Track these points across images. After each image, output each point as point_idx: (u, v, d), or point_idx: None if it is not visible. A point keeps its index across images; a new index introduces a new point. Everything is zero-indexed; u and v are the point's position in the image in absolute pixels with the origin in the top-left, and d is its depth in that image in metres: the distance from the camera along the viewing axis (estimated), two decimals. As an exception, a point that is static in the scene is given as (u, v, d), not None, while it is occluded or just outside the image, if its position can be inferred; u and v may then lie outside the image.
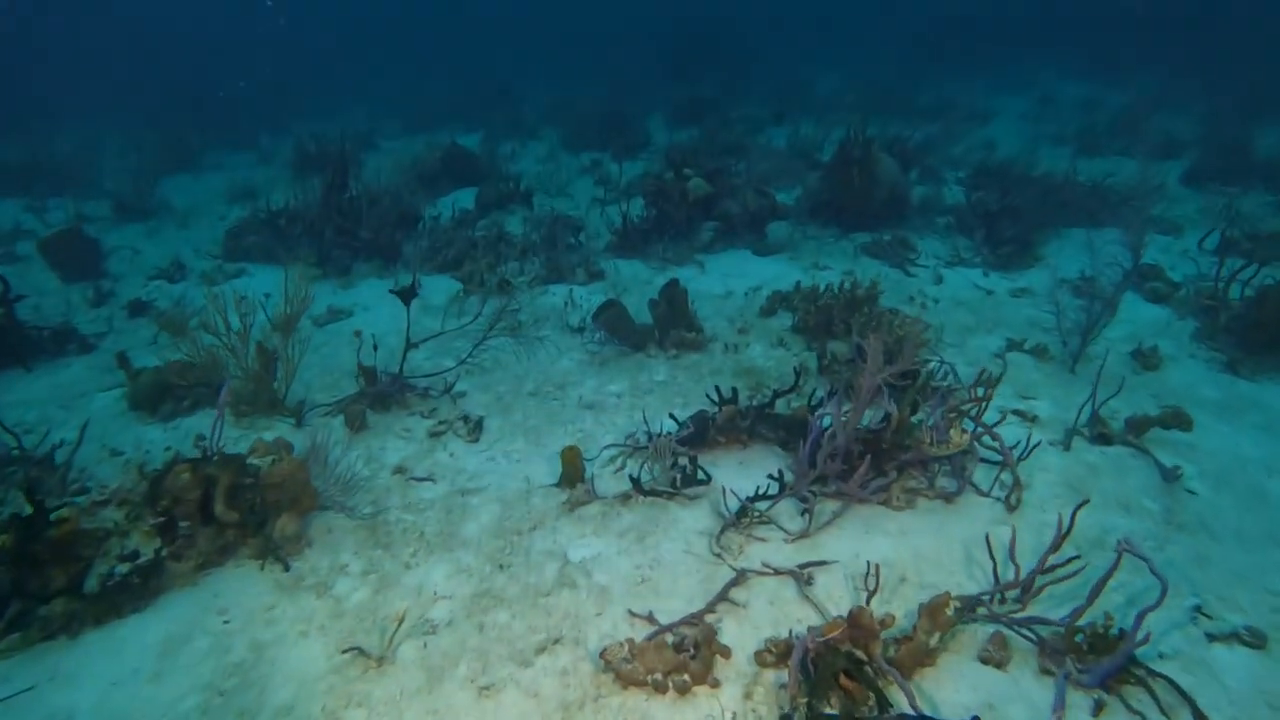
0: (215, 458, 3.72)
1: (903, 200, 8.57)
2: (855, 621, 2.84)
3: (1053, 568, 3.25)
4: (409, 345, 5.17)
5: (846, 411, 4.22)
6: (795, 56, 27.09)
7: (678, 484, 4.12)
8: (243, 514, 3.72)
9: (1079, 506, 3.30)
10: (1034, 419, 4.83)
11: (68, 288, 7.99)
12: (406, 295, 4.92)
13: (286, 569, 3.71)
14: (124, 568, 3.41)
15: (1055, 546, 3.16)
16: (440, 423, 4.98)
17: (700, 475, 4.17)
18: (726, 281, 7.17)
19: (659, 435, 4.48)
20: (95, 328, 6.92)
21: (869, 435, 3.99)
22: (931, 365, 5.04)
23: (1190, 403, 5.04)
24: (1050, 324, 5.88)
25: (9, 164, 13.90)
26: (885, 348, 4.89)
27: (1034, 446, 4.23)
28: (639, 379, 5.45)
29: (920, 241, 8.14)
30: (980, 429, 4.18)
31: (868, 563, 3.51)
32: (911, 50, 25.22)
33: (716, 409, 4.68)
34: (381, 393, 5.14)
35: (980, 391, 4.28)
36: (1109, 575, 3.05)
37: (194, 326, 6.54)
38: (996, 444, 4.11)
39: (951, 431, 3.81)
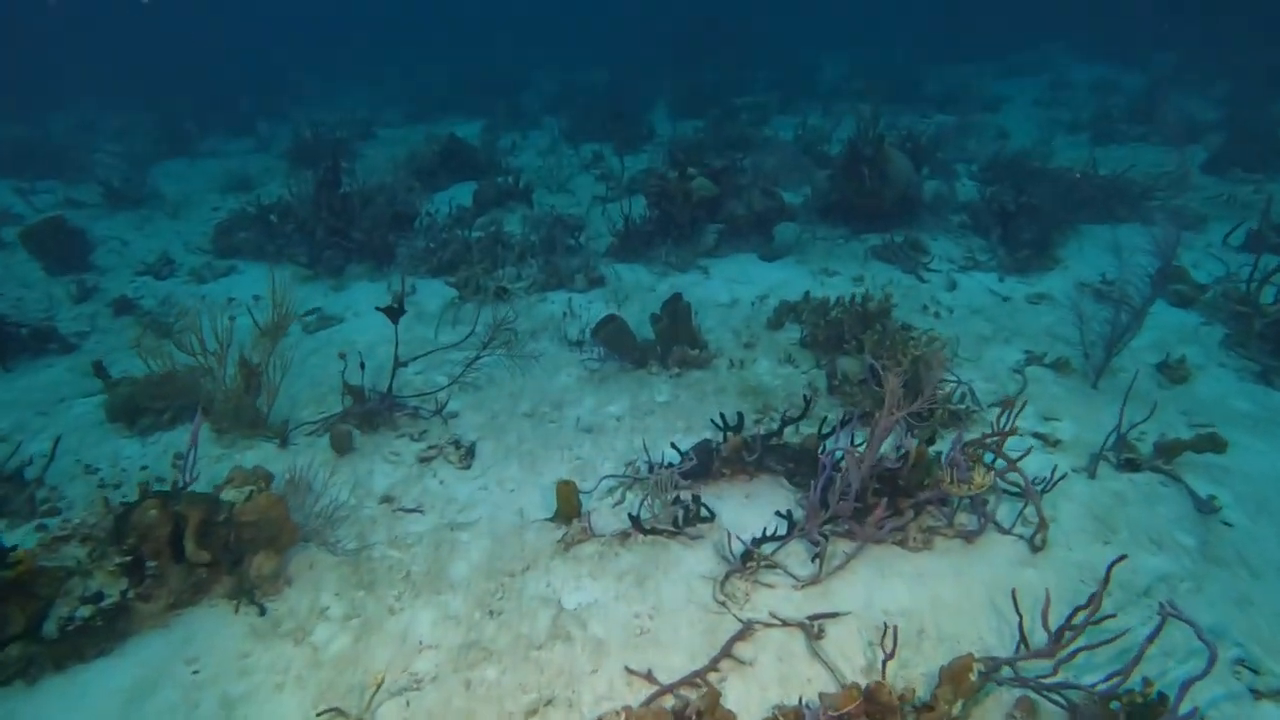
0: (187, 492, 3.48)
1: (915, 199, 8.26)
2: (873, 698, 2.60)
3: (1080, 625, 3.00)
4: (397, 364, 4.92)
5: (859, 445, 3.97)
6: (802, 37, 26.56)
7: (679, 522, 3.87)
8: (216, 553, 3.49)
9: (1115, 563, 3.04)
10: (1056, 443, 4.57)
11: (51, 280, 7.75)
12: (394, 313, 4.66)
13: (262, 613, 3.49)
14: (86, 610, 3.18)
15: (1091, 611, 2.91)
16: (430, 447, 4.73)
17: (704, 512, 3.93)
18: (732, 288, 6.89)
19: (660, 467, 4.24)
20: (78, 326, 6.69)
21: (885, 473, 3.73)
22: (949, 388, 4.77)
23: (1222, 418, 4.79)
24: (1071, 332, 5.60)
25: (1, 142, 13.64)
26: (900, 370, 4.63)
27: (1059, 479, 3.97)
28: (640, 399, 5.19)
29: (933, 242, 7.84)
30: (1002, 462, 3.92)
31: (884, 623, 3.27)
32: (920, 30, 24.69)
33: (721, 437, 4.43)
34: (369, 413, 4.89)
35: (1004, 415, 4.01)
36: (1150, 641, 2.80)
37: (178, 330, 6.32)
38: (1020, 480, 3.85)
39: (974, 471, 3.55)
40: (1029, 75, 19.92)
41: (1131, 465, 4.20)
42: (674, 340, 5.49)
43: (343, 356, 4.86)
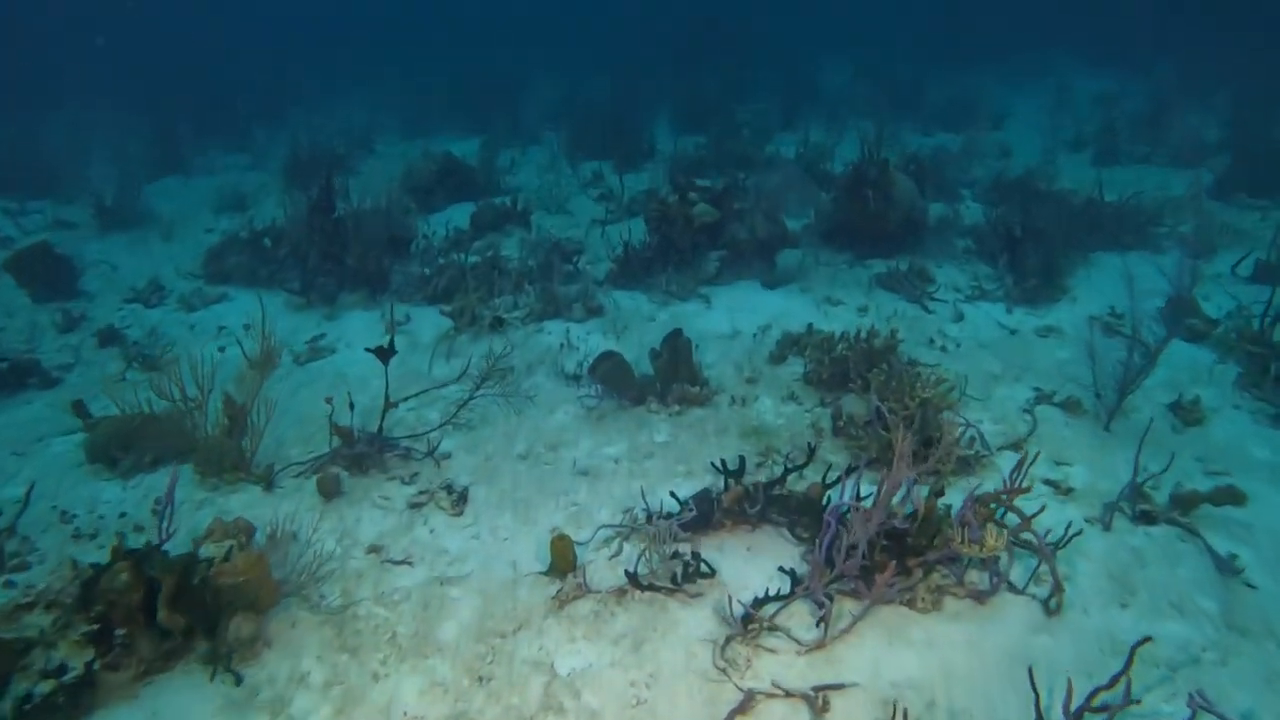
0: (161, 554, 3.31)
1: (920, 223, 8.11)
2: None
3: (1102, 709, 2.83)
4: (388, 405, 4.76)
5: (866, 498, 3.81)
6: (803, 39, 26.47)
7: (678, 579, 3.71)
8: (191, 619, 3.32)
9: (1138, 645, 2.88)
10: (1069, 491, 4.41)
11: (37, 309, 7.59)
12: (384, 354, 4.50)
13: (238, 681, 3.32)
14: (46, 686, 3.02)
15: (1116, 698, 2.74)
16: (421, 492, 4.57)
17: (704, 568, 3.76)
18: (734, 318, 6.73)
19: (658, 517, 4.08)
20: (61, 358, 6.53)
21: (893, 531, 3.57)
22: (959, 432, 4.61)
23: (1240, 465, 4.63)
24: (1082, 368, 5.44)
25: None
26: (907, 414, 4.47)
27: (1073, 535, 3.80)
28: (638, 439, 5.03)
29: (938, 269, 7.69)
30: (1011, 516, 3.76)
31: (893, 698, 3.10)
32: (921, 33, 24.61)
33: (722, 484, 4.27)
34: (359, 456, 4.73)
35: (1016, 471, 3.85)
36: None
37: (163, 364, 6.17)
38: (1034, 540, 3.68)
39: (986, 532, 3.39)
40: (1032, 81, 19.87)
41: (1148, 518, 4.04)
42: (674, 377, 5.34)
43: (329, 401, 4.68)
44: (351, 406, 4.71)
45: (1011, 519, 3.78)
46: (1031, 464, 3.83)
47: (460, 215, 9.97)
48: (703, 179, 11.36)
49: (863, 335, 5.43)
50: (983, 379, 5.66)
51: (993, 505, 3.70)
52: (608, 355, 5.24)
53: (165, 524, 3.59)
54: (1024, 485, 3.65)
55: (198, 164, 14.83)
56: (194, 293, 7.73)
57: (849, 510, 3.63)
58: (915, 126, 15.23)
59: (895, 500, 3.49)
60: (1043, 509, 3.70)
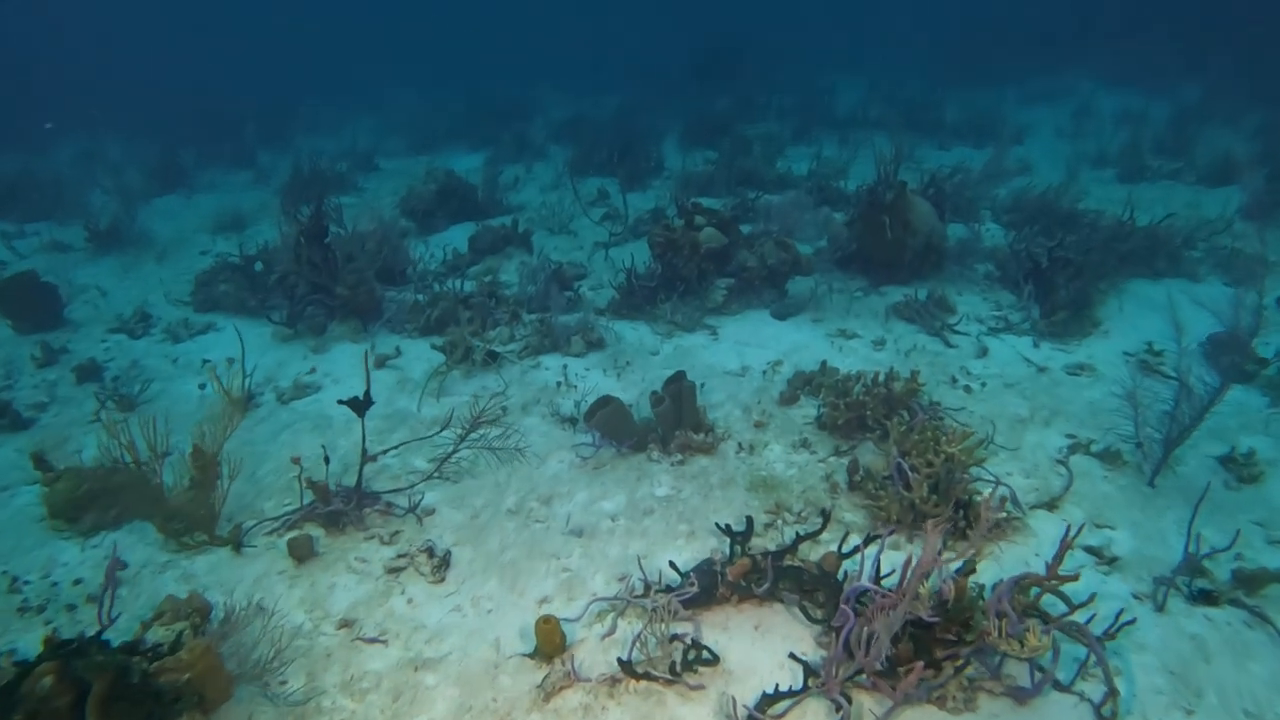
0: (95, 650, 2.96)
1: (939, 250, 7.70)
2: None
3: None
4: (365, 459, 4.40)
5: (887, 577, 3.41)
6: (816, 56, 26.16)
7: (677, 667, 3.32)
8: (131, 720, 2.96)
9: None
10: (1113, 560, 3.98)
11: (20, 340, 7.30)
12: (360, 407, 4.15)
13: (183, 794, 2.95)
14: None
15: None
16: (400, 555, 4.20)
17: (706, 654, 3.37)
18: (742, 353, 6.35)
19: (657, 589, 3.70)
20: (37, 396, 6.22)
21: (919, 621, 3.16)
22: (987, 492, 4.20)
23: (1302, 531, 4.18)
24: (1118, 410, 5.01)
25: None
26: (931, 472, 4.07)
27: (1124, 624, 3.38)
28: (637, 493, 4.65)
29: (958, 298, 7.28)
30: (1056, 605, 3.34)
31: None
32: (936, 52, 24.18)
33: (727, 548, 3.89)
34: (335, 514, 4.38)
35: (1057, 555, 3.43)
36: None
37: (140, 402, 5.86)
38: (1082, 633, 3.26)
39: (1028, 630, 2.98)
40: (1051, 101, 19.35)
41: (1208, 598, 3.61)
42: (676, 424, 4.95)
43: (296, 461, 4.33)
44: (327, 460, 4.37)
45: (1046, 596, 3.37)
46: (1075, 537, 3.41)
47: (460, 236, 9.66)
48: (711, 198, 11.07)
49: (880, 378, 5.03)
50: (1010, 423, 5.24)
51: (1033, 590, 3.28)
52: (605, 401, 4.87)
53: (105, 609, 3.24)
54: (1072, 575, 3.23)
55: (201, 181, 14.63)
56: (180, 323, 7.42)
57: (868, 592, 3.24)
58: (932, 142, 14.78)
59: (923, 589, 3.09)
60: (1092, 599, 3.27)
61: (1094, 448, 4.84)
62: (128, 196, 12.31)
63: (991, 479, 4.41)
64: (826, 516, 3.91)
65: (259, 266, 7.97)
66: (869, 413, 4.93)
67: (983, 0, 26.96)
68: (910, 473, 4.13)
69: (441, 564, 4.11)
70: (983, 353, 6.21)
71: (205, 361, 6.76)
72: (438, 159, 15.36)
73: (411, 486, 4.65)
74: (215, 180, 14.76)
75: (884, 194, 7.46)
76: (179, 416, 5.81)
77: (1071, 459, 4.78)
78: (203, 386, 6.23)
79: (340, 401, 4.20)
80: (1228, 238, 8.13)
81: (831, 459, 4.90)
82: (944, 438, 4.23)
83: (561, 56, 29.59)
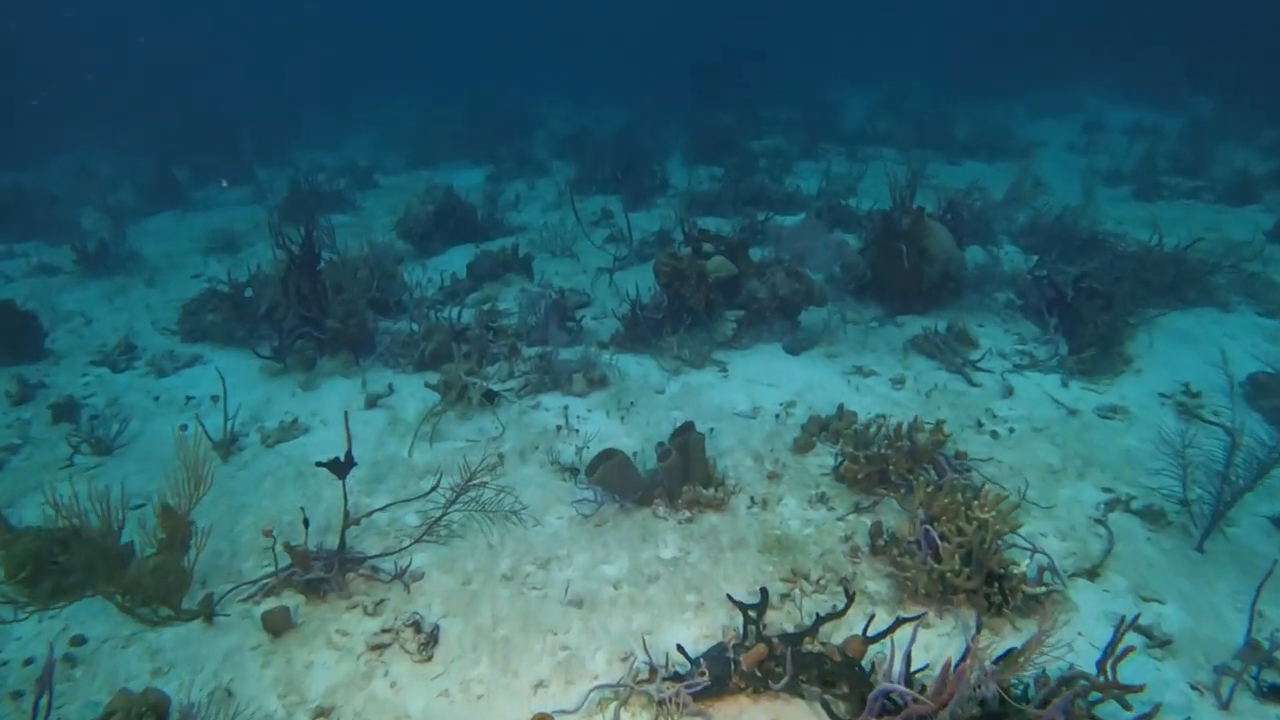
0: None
1: (958, 279, 7.36)
2: None
3: None
4: (347, 522, 4.07)
5: (919, 671, 3.07)
6: (821, 70, 25.90)
7: (688, 776, 2.97)
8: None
9: None
10: (1165, 644, 3.62)
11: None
12: (340, 469, 3.82)
13: None
14: None
15: None
16: (384, 630, 3.86)
17: (719, 760, 3.03)
18: (753, 392, 6.01)
19: (663, 675, 3.36)
20: (8, 437, 5.92)
21: (960, 730, 2.81)
22: (1024, 563, 3.85)
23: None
24: (1157, 460, 4.67)
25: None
26: (964, 541, 3.73)
27: (1186, 726, 3.03)
28: (642, 556, 4.31)
29: (979, 329, 6.94)
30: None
31: None
32: (942, 65, 23.89)
33: (741, 626, 3.55)
34: (315, 581, 4.04)
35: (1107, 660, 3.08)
36: None
37: (116, 446, 5.55)
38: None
39: (1085, 747, 2.63)
40: (1059, 115, 19.06)
41: (1278, 695, 3.25)
42: (684, 478, 4.62)
43: (268, 534, 4.00)
44: (306, 524, 4.03)
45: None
46: (1129, 627, 3.06)
47: (459, 259, 9.35)
48: (717, 217, 10.75)
49: (904, 429, 4.69)
50: (1041, 474, 4.89)
51: (1088, 691, 2.93)
52: (608, 454, 4.54)
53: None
54: (1137, 686, 2.88)
55: (197, 198, 14.37)
56: (165, 355, 7.12)
57: (894, 691, 2.89)
58: (942, 157, 14.45)
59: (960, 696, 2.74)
60: (1157, 710, 2.91)
61: (1134, 504, 4.49)
62: (119, 216, 12.06)
63: (1028, 546, 4.06)
64: (850, 596, 3.56)
65: (249, 293, 7.66)
66: (891, 467, 4.59)
67: (985, 11, 26.66)
68: (940, 541, 3.79)
69: (429, 640, 3.77)
70: (1008, 392, 5.87)
71: (189, 398, 6.45)
72: (438, 174, 15.10)
73: (399, 550, 4.31)
74: (211, 197, 14.50)
75: (900, 220, 7.14)
76: (157, 461, 5.51)
77: (1110, 517, 4.43)
78: (184, 428, 5.90)
79: (319, 464, 3.87)
80: (1259, 263, 7.78)
81: (851, 517, 4.56)
82: (976, 501, 3.88)
83: (565, 68, 29.39)
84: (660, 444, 4.72)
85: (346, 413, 4.53)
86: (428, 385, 6.00)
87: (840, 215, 10.03)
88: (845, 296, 7.52)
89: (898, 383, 6.08)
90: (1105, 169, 13.06)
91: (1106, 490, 4.68)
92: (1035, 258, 8.69)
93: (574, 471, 5.05)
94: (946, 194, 10.30)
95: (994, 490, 4.32)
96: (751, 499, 4.74)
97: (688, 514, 4.60)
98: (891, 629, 3.31)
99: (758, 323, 6.85)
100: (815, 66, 26.75)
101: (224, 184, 13.74)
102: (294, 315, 6.58)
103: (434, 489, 4.49)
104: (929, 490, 4.12)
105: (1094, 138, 16.06)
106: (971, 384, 6.03)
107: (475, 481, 4.32)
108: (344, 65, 32.05)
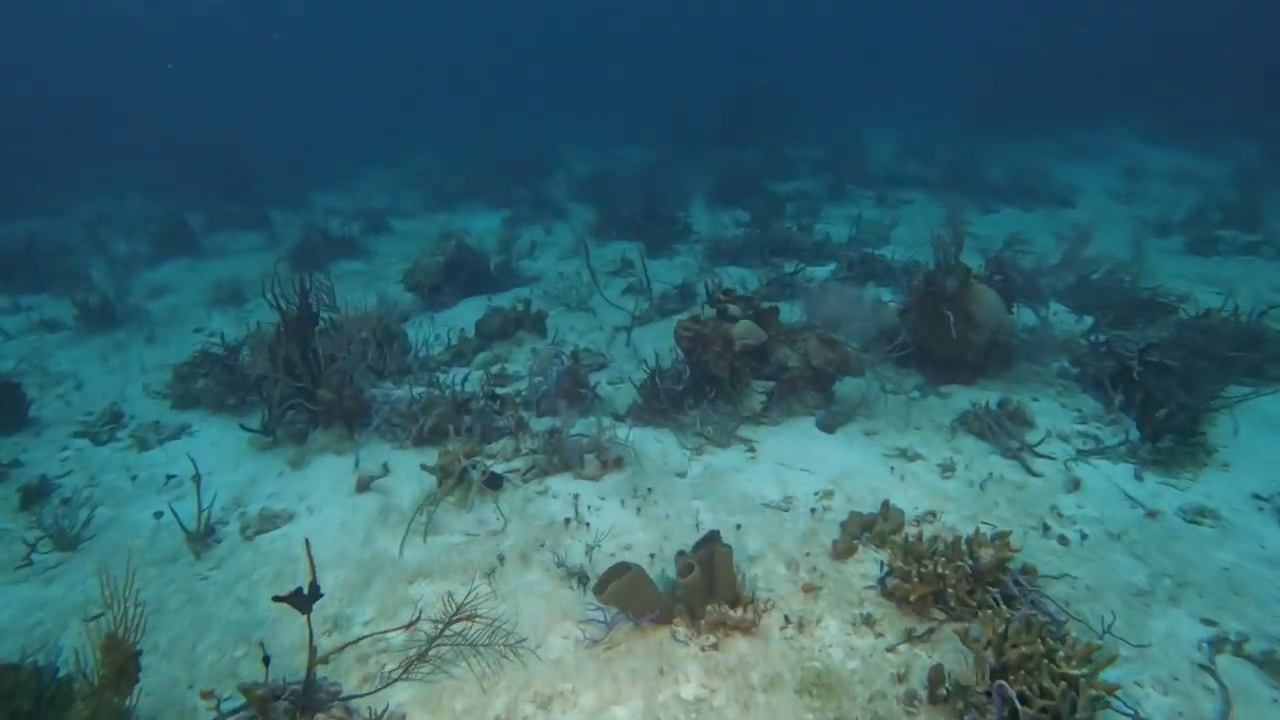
0: None
1: (1009, 347, 6.73)
2: None
3: None
4: (313, 661, 3.48)
5: None
6: (845, 113, 25.52)
7: None
8: None
9: None
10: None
11: (-20, 445, 6.60)
12: (302, 603, 3.26)
13: None
14: None
15: None
16: (351, 797, 3.27)
17: None
18: (784, 478, 5.39)
19: None
20: (-28, 525, 5.45)
21: None
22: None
23: None
24: (1265, 583, 3.99)
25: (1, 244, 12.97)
26: (1048, 705, 3.07)
27: None
28: (659, 695, 3.67)
29: (1033, 403, 6.29)
30: None
31: None
32: (969, 105, 23.36)
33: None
34: (274, 728, 3.46)
35: None
36: None
37: (82, 542, 5.04)
38: None
39: None
40: (1095, 158, 18.44)
41: None
42: (708, 595, 4.00)
43: (208, 697, 3.42)
44: (266, 661, 3.44)
45: None
46: None
47: (470, 313, 8.91)
48: (743, 267, 10.22)
49: (963, 545, 4.04)
50: (1125, 597, 4.20)
51: None
52: (620, 569, 3.93)
53: None
54: None
55: (210, 244, 14.14)
56: (151, 425, 6.66)
57: None
58: (975, 203, 13.86)
59: None
60: None
61: (1248, 647, 3.78)
62: (129, 266, 11.81)
63: (1129, 712, 3.37)
64: (914, 783, 2.91)
65: (244, 357, 7.21)
66: (950, 589, 3.94)
67: (1011, 48, 26.18)
68: (1018, 704, 3.13)
69: (404, 811, 3.16)
70: (1074, 486, 5.19)
71: (170, 477, 5.96)
72: (455, 218, 14.81)
73: (375, 691, 3.72)
74: (225, 243, 14.27)
75: (944, 282, 6.54)
76: (126, 554, 4.99)
77: (1219, 661, 3.73)
78: (159, 515, 5.39)
79: (276, 599, 3.30)
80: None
81: (903, 647, 3.90)
82: (1060, 653, 3.22)
83: (587, 108, 29.35)
84: (681, 553, 4.12)
85: (308, 541, 3.97)
86: (424, 468, 5.44)
87: (874, 268, 9.45)
88: (883, 362, 6.90)
89: (947, 470, 5.43)
90: (1152, 218, 12.38)
91: (1208, 623, 3.98)
92: (1087, 319, 8.06)
93: (583, 578, 4.44)
94: (984, 244, 9.72)
95: (1077, 628, 3.66)
96: (786, 618, 4.10)
97: (712, 639, 3.96)
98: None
99: (788, 395, 6.25)
100: (839, 104, 26.43)
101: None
102: (283, 386, 6.09)
103: (413, 623, 3.89)
104: (999, 632, 3.46)
105: (1135, 184, 15.39)
106: (1031, 473, 5.37)
107: (462, 616, 3.72)
108: (363, 107, 32.33)
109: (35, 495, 5.60)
